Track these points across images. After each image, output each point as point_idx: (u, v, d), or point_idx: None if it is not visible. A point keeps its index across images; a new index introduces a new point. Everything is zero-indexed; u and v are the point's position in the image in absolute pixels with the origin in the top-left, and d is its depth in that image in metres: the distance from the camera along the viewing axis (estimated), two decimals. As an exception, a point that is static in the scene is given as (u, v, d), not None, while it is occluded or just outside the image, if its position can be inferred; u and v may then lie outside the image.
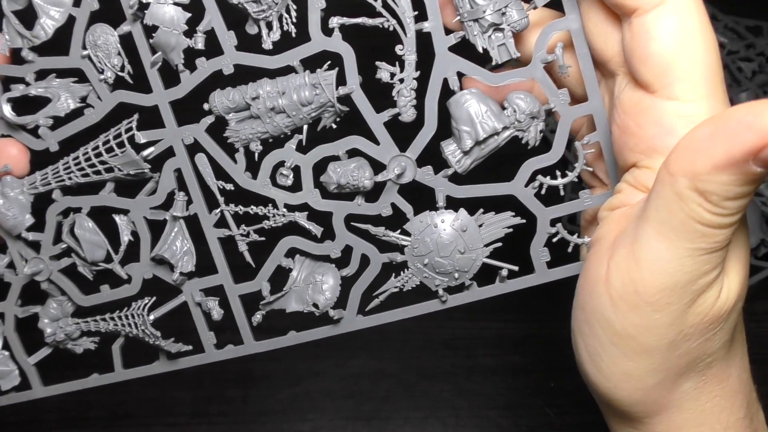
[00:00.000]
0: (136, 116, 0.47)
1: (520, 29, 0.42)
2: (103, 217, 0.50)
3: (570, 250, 0.45)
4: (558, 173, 0.44)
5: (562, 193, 0.45)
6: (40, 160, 0.50)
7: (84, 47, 0.46)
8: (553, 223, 0.45)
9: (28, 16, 0.47)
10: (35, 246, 0.51)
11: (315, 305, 0.47)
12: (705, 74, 0.38)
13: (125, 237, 0.49)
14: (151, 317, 0.49)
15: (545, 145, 0.43)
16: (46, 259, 0.50)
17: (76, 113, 0.48)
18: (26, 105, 0.48)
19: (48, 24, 0.46)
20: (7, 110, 0.48)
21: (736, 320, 0.41)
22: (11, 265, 0.51)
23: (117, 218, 0.49)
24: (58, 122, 0.48)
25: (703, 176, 0.34)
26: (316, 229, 0.47)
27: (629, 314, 0.38)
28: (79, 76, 0.48)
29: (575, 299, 0.43)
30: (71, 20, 0.46)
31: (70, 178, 0.49)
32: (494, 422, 0.82)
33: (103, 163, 0.47)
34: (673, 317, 0.38)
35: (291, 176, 0.46)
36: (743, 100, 0.93)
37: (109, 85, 0.47)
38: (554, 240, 0.45)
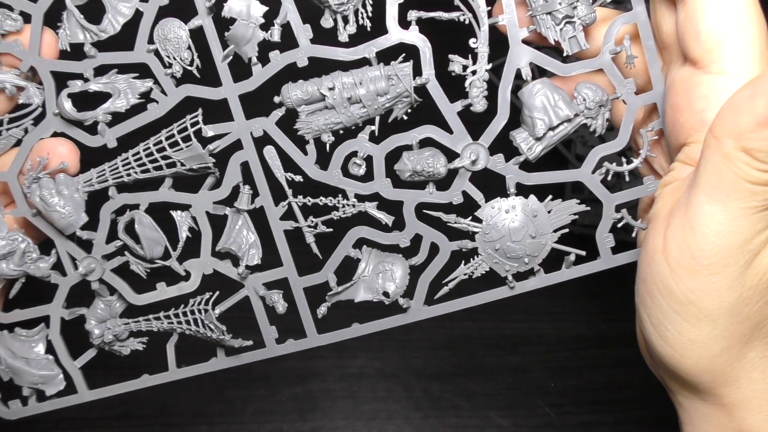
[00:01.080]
0: (200, 110, 0.48)
1: (590, 23, 0.45)
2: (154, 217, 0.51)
3: (634, 234, 0.48)
4: (623, 160, 0.47)
5: (627, 179, 0.48)
6: (92, 158, 0.51)
7: (151, 42, 0.48)
8: (618, 209, 0.48)
9: (88, 12, 0.48)
10: (84, 246, 0.51)
11: (385, 294, 0.49)
12: (753, 50, 0.41)
13: (183, 233, 0.50)
14: (217, 311, 0.51)
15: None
16: (98, 258, 0.51)
17: (135, 110, 0.49)
18: (84, 101, 0.49)
19: (117, 19, 0.48)
20: (68, 106, 0.48)
21: None
22: (56, 266, 0.52)
23: (175, 214, 0.50)
24: (117, 119, 0.49)
25: (747, 134, 0.37)
26: (387, 218, 0.49)
27: (688, 280, 0.40)
28: (142, 71, 0.49)
29: (637, 275, 0.45)
30: (137, 16, 0.48)
31: (129, 175, 0.50)
32: (494, 422, 0.85)
33: (165, 158, 0.49)
34: (731, 279, 0.40)
35: (364, 166, 0.48)
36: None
37: (175, 79, 0.48)
38: (619, 225, 0.48)
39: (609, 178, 0.47)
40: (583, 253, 0.48)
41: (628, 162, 0.47)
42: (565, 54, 0.46)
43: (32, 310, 0.53)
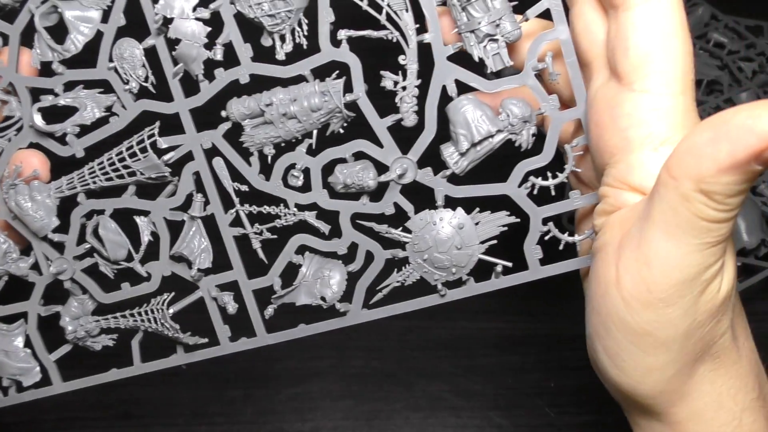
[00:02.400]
0: (157, 123, 0.54)
1: (513, 40, 0.49)
2: (123, 221, 0.56)
3: (561, 247, 0.52)
4: (549, 174, 0.51)
5: (553, 193, 0.51)
6: (63, 167, 0.56)
7: (110, 60, 0.53)
8: (545, 222, 0.51)
9: (57, 32, 0.54)
10: (59, 247, 0.57)
11: (323, 298, 0.54)
12: (680, 71, 0.44)
13: (145, 237, 0.55)
14: (171, 311, 0.56)
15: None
16: (69, 259, 0.56)
17: (101, 122, 0.54)
18: (55, 114, 0.55)
19: (78, 39, 0.53)
20: (38, 119, 0.54)
21: (734, 299, 0.45)
22: (35, 267, 0.57)
23: (138, 219, 0.55)
24: (84, 130, 0.55)
25: (708, 179, 0.38)
26: (324, 227, 0.54)
27: (643, 312, 0.42)
28: (105, 87, 0.54)
29: (588, 305, 0.48)
30: (98, 35, 0.53)
31: (94, 182, 0.55)
32: (494, 422, 0.86)
33: (126, 167, 0.54)
34: (685, 309, 0.42)
35: (301, 177, 0.53)
36: (743, 100, 0.99)
37: (133, 94, 0.54)
38: (546, 238, 0.52)
39: (534, 192, 0.51)
40: (509, 264, 0.52)
41: (554, 177, 0.51)
42: (489, 71, 0.50)
43: (11, 306, 0.59)
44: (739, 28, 1.07)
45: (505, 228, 0.52)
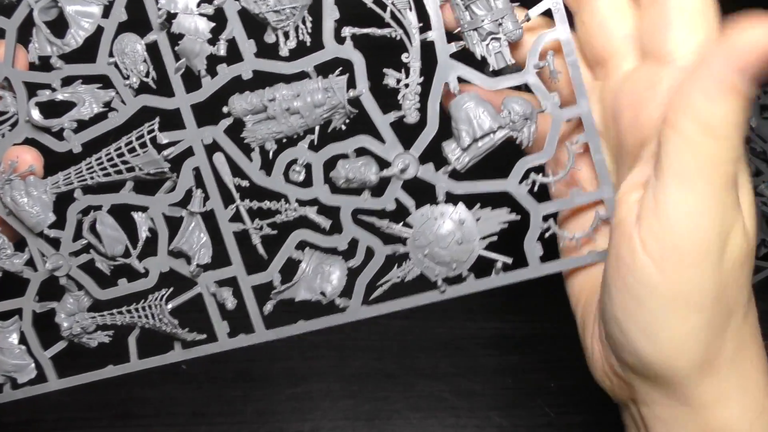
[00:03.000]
0: (157, 119, 0.54)
1: (515, 39, 0.50)
2: (120, 218, 0.56)
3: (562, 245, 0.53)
4: (549, 171, 0.52)
5: (552, 189, 0.52)
6: (60, 162, 0.56)
7: (111, 55, 0.53)
8: (545, 219, 0.52)
9: (56, 27, 0.54)
10: (54, 243, 0.57)
11: (323, 293, 0.55)
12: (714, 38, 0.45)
13: (143, 233, 0.56)
14: (170, 306, 0.56)
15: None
16: (65, 255, 0.57)
17: (98, 117, 0.55)
18: (52, 109, 0.55)
19: (79, 34, 0.54)
20: (36, 114, 0.54)
21: (750, 271, 0.46)
22: (29, 263, 0.57)
23: (135, 215, 0.56)
24: (82, 125, 0.55)
25: (702, 112, 0.41)
26: (325, 222, 0.54)
27: (674, 273, 0.43)
28: (104, 82, 0.54)
29: (607, 290, 0.47)
30: (99, 30, 0.54)
31: (92, 178, 0.55)
32: (494, 422, 0.86)
33: (125, 162, 0.54)
34: (712, 266, 0.43)
35: (303, 173, 0.53)
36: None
37: (133, 90, 0.54)
38: (546, 235, 0.52)
39: (535, 189, 0.52)
40: (510, 260, 0.53)
41: (554, 173, 0.52)
42: (491, 69, 0.50)
43: (6, 302, 0.59)
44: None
45: (506, 225, 0.53)
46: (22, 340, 0.59)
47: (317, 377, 0.90)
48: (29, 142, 0.56)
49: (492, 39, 0.50)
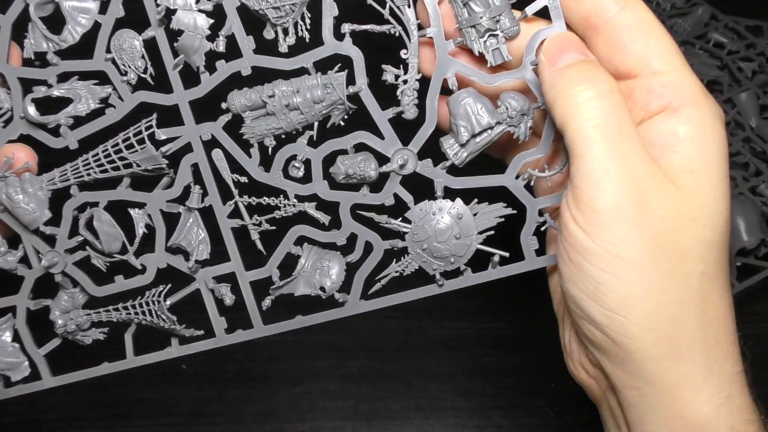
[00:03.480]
0: (155, 115, 0.54)
1: (513, 36, 0.50)
2: (116, 215, 0.57)
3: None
4: (546, 166, 0.52)
5: (549, 184, 0.53)
6: (56, 158, 0.57)
7: (108, 51, 0.54)
8: (541, 213, 0.53)
9: (52, 23, 0.54)
10: (49, 240, 0.57)
11: (322, 288, 0.55)
12: (674, 49, 0.48)
13: (140, 229, 0.56)
14: (168, 302, 0.57)
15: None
16: (61, 252, 0.57)
17: (95, 114, 0.55)
18: (48, 105, 0.55)
19: (76, 30, 0.54)
20: (32, 110, 0.54)
21: (718, 257, 0.48)
22: (23, 260, 0.57)
23: (132, 212, 0.56)
24: (78, 122, 0.55)
25: (558, 94, 0.47)
26: (324, 218, 0.55)
27: (600, 234, 0.46)
28: (101, 78, 0.55)
29: (559, 269, 0.49)
30: (96, 26, 0.54)
31: (88, 174, 0.55)
32: (494, 422, 0.86)
33: (122, 159, 0.54)
34: (632, 220, 0.45)
35: (302, 169, 0.54)
36: (743, 101, 1.00)
37: (131, 86, 0.54)
38: (542, 229, 0.53)
39: (532, 183, 0.52)
40: (506, 254, 0.53)
41: (550, 168, 0.52)
42: (489, 65, 0.51)
43: (0, 300, 0.59)
44: (738, 28, 1.08)
45: (503, 219, 0.53)
46: (16, 337, 0.59)
47: (317, 377, 0.90)
48: (24, 138, 0.56)
49: (490, 36, 0.50)
